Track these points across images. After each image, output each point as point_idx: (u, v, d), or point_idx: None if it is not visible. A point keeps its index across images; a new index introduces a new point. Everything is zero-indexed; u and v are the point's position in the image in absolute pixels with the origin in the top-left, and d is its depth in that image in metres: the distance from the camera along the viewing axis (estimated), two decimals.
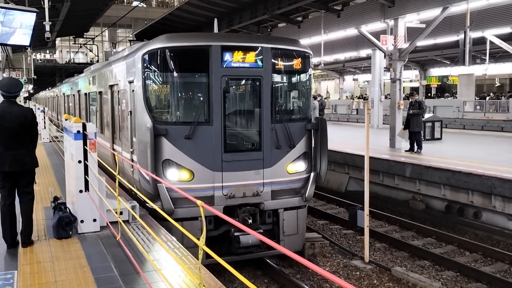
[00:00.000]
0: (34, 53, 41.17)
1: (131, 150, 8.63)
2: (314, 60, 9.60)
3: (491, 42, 20.98)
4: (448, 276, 8.71)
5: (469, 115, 29.62)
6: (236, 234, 7.97)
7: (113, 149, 10.17)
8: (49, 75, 49.29)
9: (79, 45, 42.16)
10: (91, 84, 13.48)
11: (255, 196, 8.27)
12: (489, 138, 20.31)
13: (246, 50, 8.20)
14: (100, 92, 11.85)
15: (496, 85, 43.35)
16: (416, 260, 9.57)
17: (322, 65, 24.03)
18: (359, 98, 45.98)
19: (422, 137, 15.95)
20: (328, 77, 55.48)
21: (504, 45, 19.74)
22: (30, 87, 43.17)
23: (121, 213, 6.18)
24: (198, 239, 3.46)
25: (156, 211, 7.46)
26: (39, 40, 23.95)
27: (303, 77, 9.23)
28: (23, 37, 8.16)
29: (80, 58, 56.52)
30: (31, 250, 5.84)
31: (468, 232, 11.15)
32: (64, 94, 22.56)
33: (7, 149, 5.76)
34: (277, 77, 8.77)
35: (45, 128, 19.47)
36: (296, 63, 8.83)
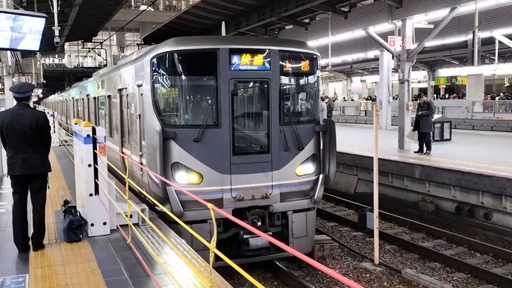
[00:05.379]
0: (43, 58, 41.49)
1: (140, 153, 8.67)
2: (321, 62, 9.54)
3: (500, 42, 20.83)
4: (459, 278, 8.65)
5: (478, 116, 29.41)
6: (245, 236, 7.98)
7: (122, 153, 10.22)
8: (58, 80, 49.64)
9: (88, 49, 42.48)
10: (100, 88, 13.56)
11: (264, 199, 8.27)
12: (499, 138, 20.15)
13: (254, 53, 8.22)
14: (109, 96, 11.92)
15: (505, 85, 43.03)
16: (426, 262, 9.51)
17: (330, 66, 23.99)
18: (367, 99, 45.82)
19: (431, 138, 15.87)
20: (336, 78, 55.40)
21: None
22: (39, 91, 43.52)
23: (130, 216, 6.20)
24: (208, 241, 3.46)
25: (164, 214, 7.54)
26: (48, 45, 24.16)
27: (311, 79, 9.21)
28: (32, 42, 8.17)
29: (88, 62, 56.88)
30: (42, 254, 5.88)
31: (478, 234, 11.07)
32: (73, 98, 22.72)
33: (18, 152, 5.78)
34: (285, 80, 8.77)
35: (54, 132, 19.60)
36: (304, 65, 8.82)
